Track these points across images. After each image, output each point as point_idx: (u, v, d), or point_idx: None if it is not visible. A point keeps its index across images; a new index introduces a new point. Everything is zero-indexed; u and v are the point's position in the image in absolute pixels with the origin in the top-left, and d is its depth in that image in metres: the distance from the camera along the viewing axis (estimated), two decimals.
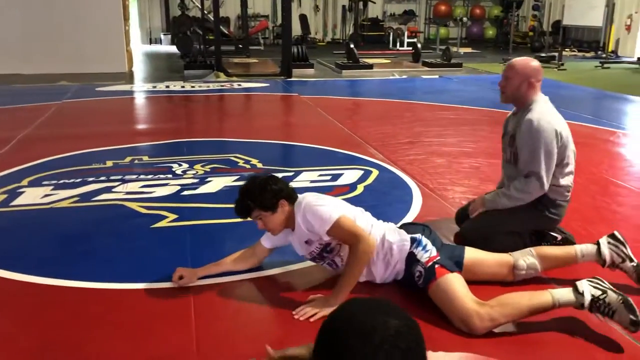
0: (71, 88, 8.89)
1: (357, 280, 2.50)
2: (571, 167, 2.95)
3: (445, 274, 2.38)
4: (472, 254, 2.63)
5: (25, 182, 4.19)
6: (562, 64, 12.05)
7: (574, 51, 15.55)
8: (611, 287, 2.26)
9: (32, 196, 3.89)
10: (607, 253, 2.61)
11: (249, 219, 2.62)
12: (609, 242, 2.64)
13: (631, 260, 2.60)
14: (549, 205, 2.94)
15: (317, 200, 2.56)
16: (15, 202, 3.78)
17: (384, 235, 2.58)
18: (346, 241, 2.49)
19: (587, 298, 2.22)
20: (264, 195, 2.51)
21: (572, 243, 2.94)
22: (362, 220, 2.59)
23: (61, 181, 4.20)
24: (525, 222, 2.98)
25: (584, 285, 2.26)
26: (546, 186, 2.85)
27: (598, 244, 2.65)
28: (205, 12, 13.55)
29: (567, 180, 2.94)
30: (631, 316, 2.12)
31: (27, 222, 3.51)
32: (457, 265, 2.51)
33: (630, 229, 3.32)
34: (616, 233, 2.67)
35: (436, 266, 2.41)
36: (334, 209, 2.50)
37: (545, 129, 2.80)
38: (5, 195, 3.89)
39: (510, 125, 3.06)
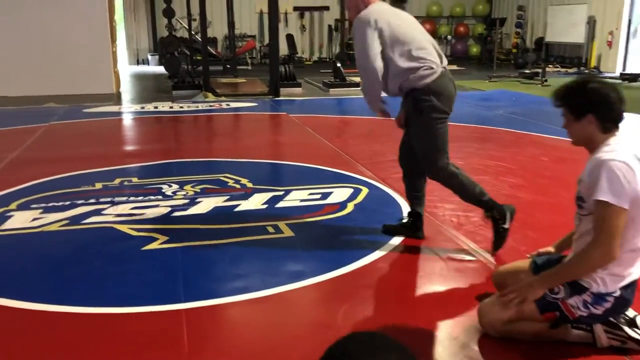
0: (59, 110, 8.86)
1: (575, 278, 2.27)
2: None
3: None
4: None
5: (13, 205, 4.15)
6: (546, 80, 12.22)
7: (557, 67, 15.78)
8: None
9: (21, 220, 3.86)
10: None
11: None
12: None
13: None
14: None
15: (620, 170, 2.13)
16: (3, 226, 3.75)
17: None
18: (595, 229, 2.18)
19: None
20: (576, 94, 2.28)
21: None
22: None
23: (50, 204, 4.17)
24: None
25: None
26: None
27: None
28: (193, 32, 13.63)
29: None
30: None
31: (16, 246, 3.47)
32: None
33: None
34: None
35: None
36: (621, 195, 2.12)
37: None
38: None
39: None
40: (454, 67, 16.13)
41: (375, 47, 3.19)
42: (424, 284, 3.02)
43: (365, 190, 4.49)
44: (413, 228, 3.54)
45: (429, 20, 19.89)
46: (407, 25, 3.30)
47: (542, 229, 3.69)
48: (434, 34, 19.79)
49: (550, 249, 2.70)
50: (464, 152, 5.85)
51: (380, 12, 3.25)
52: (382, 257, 3.26)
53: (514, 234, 3.57)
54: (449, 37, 17.69)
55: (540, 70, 12.88)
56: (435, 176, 3.36)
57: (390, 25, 3.20)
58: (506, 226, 3.26)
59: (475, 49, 19.80)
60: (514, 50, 18.04)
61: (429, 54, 3.23)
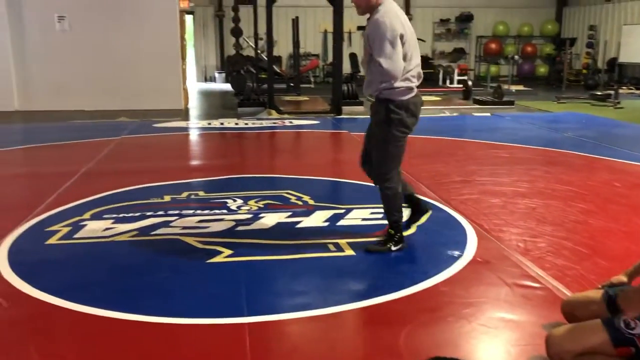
0: (130, 124, 9.25)
1: None
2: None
3: None
4: None
5: (87, 215, 4.35)
6: (619, 102, 11.75)
7: (631, 89, 15.13)
8: None
9: (94, 229, 4.04)
10: None
11: None
12: None
13: None
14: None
15: None
16: (77, 235, 3.93)
17: None
18: None
19: None
20: None
21: None
22: None
23: (121, 215, 4.35)
24: None
25: None
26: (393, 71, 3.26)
27: None
28: (259, 51, 13.96)
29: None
30: None
31: (89, 255, 3.63)
32: None
33: None
34: None
35: None
36: None
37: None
38: (69, 228, 4.05)
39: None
40: (520, 87, 15.78)
41: (400, 52, 3.33)
42: (488, 310, 2.94)
43: (428, 212, 4.43)
44: (418, 209, 3.92)
45: (494, 40, 19.57)
46: (413, 38, 3.47)
47: (614, 257, 3.53)
48: (500, 53, 19.47)
49: (623, 277, 2.58)
50: (531, 175, 5.69)
51: (397, 16, 3.37)
52: (445, 280, 3.21)
53: (584, 261, 3.45)
54: (516, 57, 17.27)
55: (612, 92, 12.40)
56: (382, 185, 3.61)
57: (405, 37, 3.37)
58: (393, 248, 3.60)
59: (542, 70, 19.29)
60: (585, 71, 17.44)
61: (417, 77, 3.52)
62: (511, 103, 11.93)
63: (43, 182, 5.51)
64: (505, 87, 14.09)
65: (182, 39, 11.77)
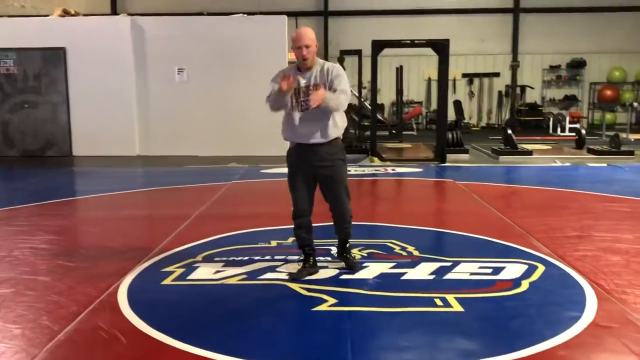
0: (240, 170, 9.68)
1: None
2: None
3: None
4: None
5: (200, 257, 4.56)
6: None
7: None
8: None
9: (205, 271, 4.22)
10: None
11: None
12: None
13: None
14: None
15: None
16: (190, 276, 4.12)
17: None
18: None
19: None
20: None
21: None
22: None
23: (231, 258, 4.51)
24: None
25: None
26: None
27: None
28: (362, 99, 14.19)
29: None
30: None
31: (201, 296, 3.78)
32: None
33: None
34: None
35: None
36: None
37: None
38: (183, 269, 4.26)
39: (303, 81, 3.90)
40: (638, 136, 14.79)
41: None
42: None
43: (541, 268, 4.20)
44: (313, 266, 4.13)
45: (610, 86, 18.62)
46: None
47: None
48: (616, 100, 18.45)
49: None
50: None
51: None
52: (563, 344, 3.00)
53: None
54: (635, 104, 16.28)
55: None
56: (349, 217, 4.12)
57: None
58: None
59: None
60: None
61: None
62: (630, 153, 11.18)
63: (160, 224, 5.87)
64: (623, 135, 13.26)
65: None
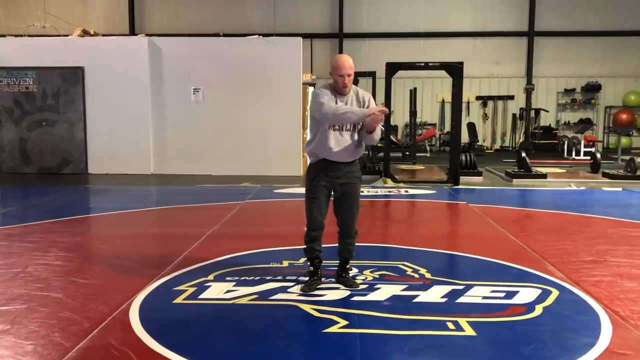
0: (253, 189, 9.72)
1: None
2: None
3: None
4: None
5: (211, 276, 4.57)
6: None
7: None
8: None
9: (216, 291, 4.22)
10: None
11: None
12: None
13: None
14: None
15: None
16: (202, 295, 4.12)
17: None
18: None
19: None
20: None
21: None
22: None
23: (242, 278, 4.51)
24: None
25: None
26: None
27: None
28: None
29: None
30: None
31: (212, 316, 3.78)
32: None
33: None
34: None
35: None
36: None
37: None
38: (194, 288, 4.27)
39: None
40: None
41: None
42: None
43: (555, 293, 4.16)
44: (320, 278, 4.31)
45: (625, 110, 18.52)
46: None
47: None
48: (632, 124, 18.34)
49: None
50: None
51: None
52: None
53: None
54: None
55: None
56: (354, 232, 4.34)
57: None
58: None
59: None
60: None
61: None
62: None
63: (173, 242, 5.90)
64: (639, 160, 13.15)
65: (305, 109, 12.33)
